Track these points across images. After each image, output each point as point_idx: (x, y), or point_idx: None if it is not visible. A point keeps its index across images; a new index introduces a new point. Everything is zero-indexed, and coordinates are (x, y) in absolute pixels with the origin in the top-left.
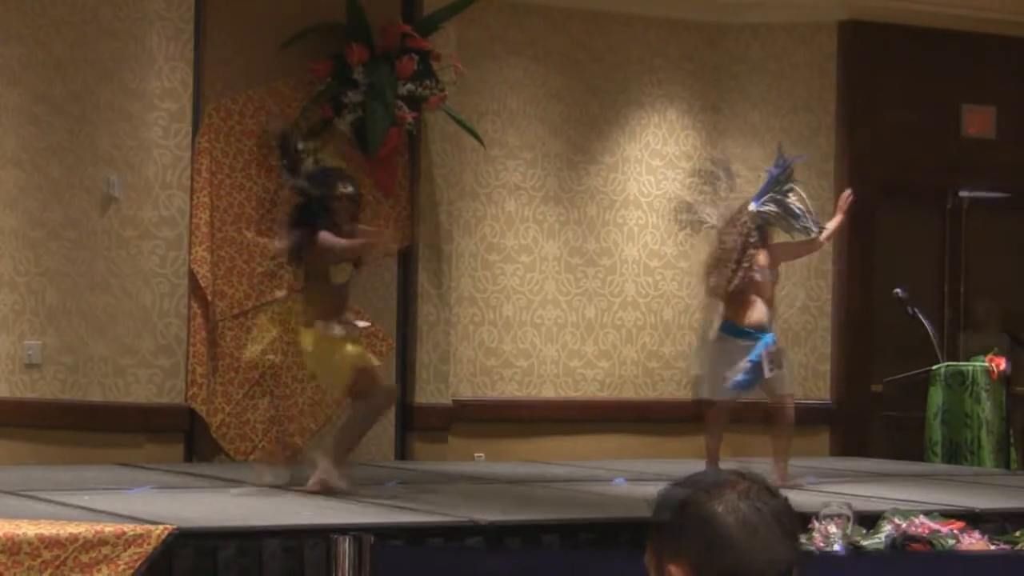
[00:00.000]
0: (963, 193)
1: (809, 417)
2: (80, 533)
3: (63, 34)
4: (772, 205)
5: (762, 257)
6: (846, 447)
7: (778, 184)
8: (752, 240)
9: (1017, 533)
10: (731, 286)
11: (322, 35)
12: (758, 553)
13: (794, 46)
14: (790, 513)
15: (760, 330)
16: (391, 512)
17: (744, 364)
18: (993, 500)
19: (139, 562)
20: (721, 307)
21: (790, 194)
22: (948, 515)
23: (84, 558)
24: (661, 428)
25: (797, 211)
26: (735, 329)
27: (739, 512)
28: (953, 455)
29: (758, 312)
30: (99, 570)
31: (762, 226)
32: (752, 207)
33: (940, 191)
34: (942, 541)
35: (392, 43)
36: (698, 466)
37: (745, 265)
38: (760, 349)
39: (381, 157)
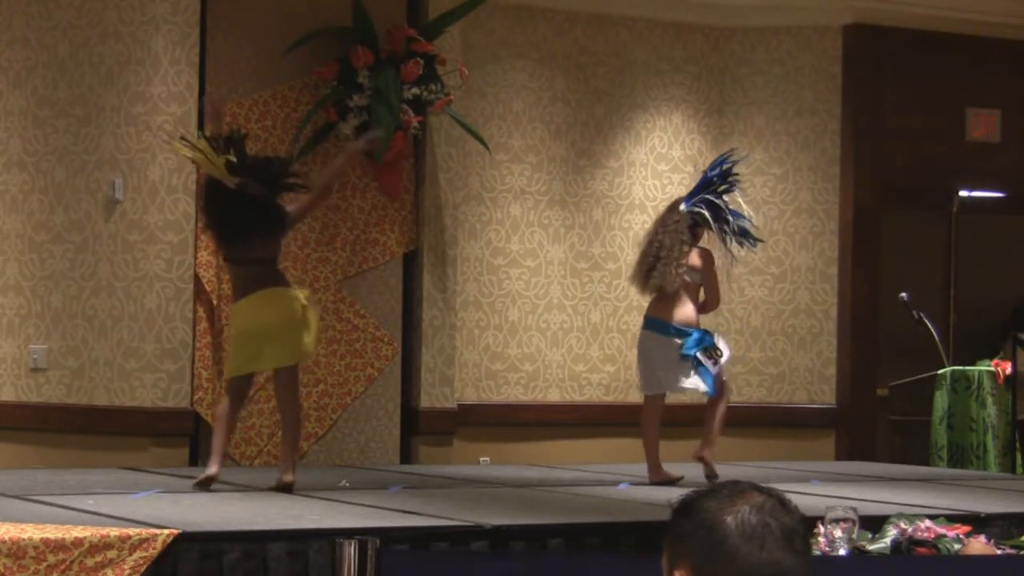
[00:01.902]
0: (968, 196)
1: (814, 420)
2: (85, 537)
3: (68, 37)
4: (702, 206)
5: (693, 257)
6: (851, 451)
7: (711, 186)
8: (684, 239)
9: (1023, 537)
10: (673, 285)
11: (327, 39)
12: (762, 568)
13: (799, 50)
14: (802, 531)
15: (688, 326)
16: (396, 516)
17: (689, 367)
18: (998, 504)
19: (144, 566)
20: (648, 305)
21: (724, 196)
22: (953, 519)
23: (89, 562)
24: (666, 432)
25: (728, 215)
26: (664, 326)
27: (747, 524)
28: (958, 459)
29: (687, 311)
30: (104, 574)
31: (692, 227)
32: (683, 207)
33: (945, 194)
34: (947, 545)
35: (397, 47)
36: (700, 470)
37: (683, 264)
38: (693, 349)
39: (386, 161)
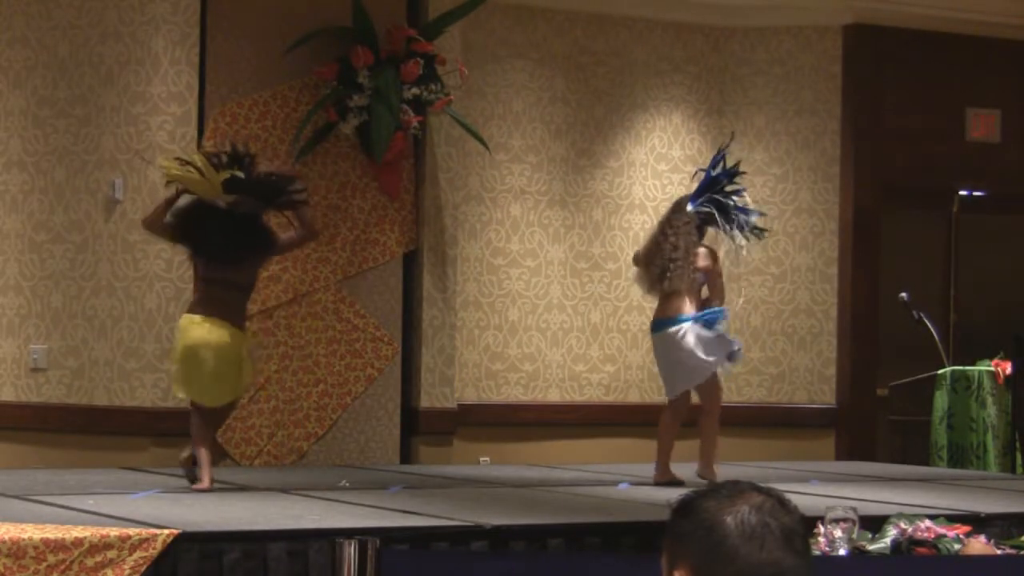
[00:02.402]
0: (968, 196)
1: (814, 421)
2: (85, 537)
3: (68, 37)
4: (711, 206)
5: (700, 257)
6: (851, 451)
7: (717, 184)
8: (695, 240)
9: (1022, 537)
10: (690, 286)
11: (327, 39)
12: (762, 568)
13: (799, 50)
14: (802, 531)
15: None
16: (396, 516)
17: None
18: (998, 504)
19: (144, 566)
20: (657, 309)
21: (732, 195)
22: (953, 519)
23: (89, 562)
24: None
25: (738, 213)
26: (674, 321)
27: (747, 524)
28: (958, 459)
29: (694, 307)
30: (104, 574)
31: (700, 225)
32: (690, 207)
33: (945, 194)
34: (947, 545)
35: (397, 47)
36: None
37: (696, 265)
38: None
39: (386, 161)
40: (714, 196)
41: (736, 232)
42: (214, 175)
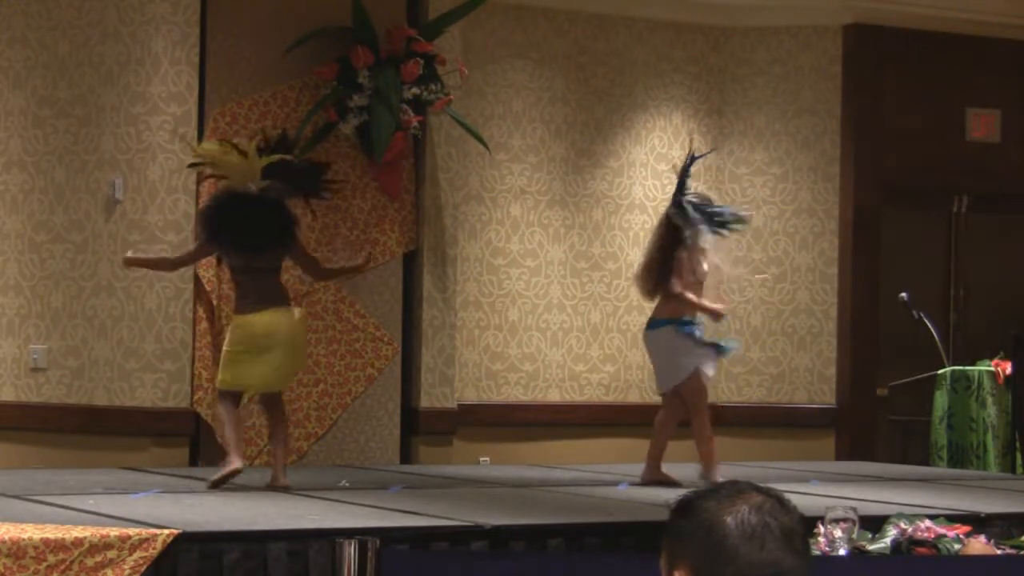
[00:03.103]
0: (968, 196)
1: (814, 420)
2: (85, 537)
3: (68, 37)
4: (674, 208)
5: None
6: (851, 451)
7: (682, 186)
8: (682, 244)
9: (1022, 537)
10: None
11: (327, 39)
12: (762, 568)
13: (799, 50)
14: (802, 531)
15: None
16: (396, 516)
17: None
18: (998, 504)
19: (144, 566)
20: (661, 307)
21: (689, 193)
22: (953, 519)
23: (89, 562)
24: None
25: (700, 214)
26: (686, 322)
27: (747, 524)
28: (959, 459)
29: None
30: (104, 574)
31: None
32: (670, 211)
33: (945, 195)
34: (947, 545)
35: (397, 47)
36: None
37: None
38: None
39: (386, 161)
40: (679, 199)
41: (703, 228)
42: (257, 160)
